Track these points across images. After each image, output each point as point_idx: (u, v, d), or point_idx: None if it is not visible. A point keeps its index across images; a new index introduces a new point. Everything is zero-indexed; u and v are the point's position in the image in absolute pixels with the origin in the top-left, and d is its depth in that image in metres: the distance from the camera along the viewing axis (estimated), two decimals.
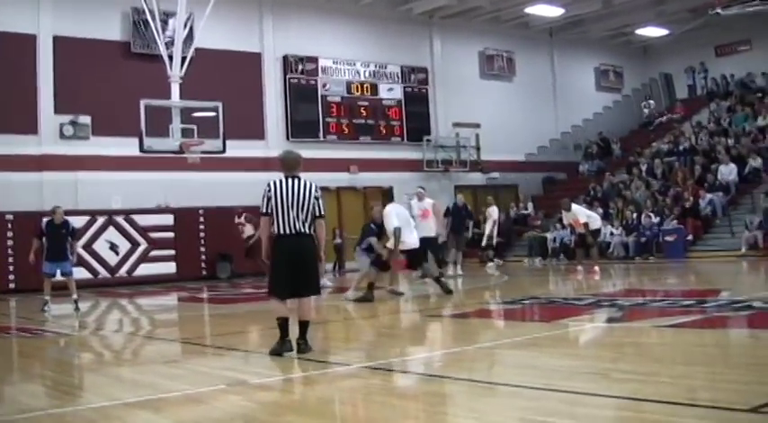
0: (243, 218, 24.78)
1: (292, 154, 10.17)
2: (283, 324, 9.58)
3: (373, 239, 17.56)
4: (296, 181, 9.66)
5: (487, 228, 27.30)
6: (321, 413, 6.84)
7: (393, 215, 17.00)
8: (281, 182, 9.63)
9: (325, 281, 21.32)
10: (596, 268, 21.47)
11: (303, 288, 9.64)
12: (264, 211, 9.64)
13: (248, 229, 24.49)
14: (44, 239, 17.93)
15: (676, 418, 5.70)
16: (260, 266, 23.44)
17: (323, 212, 9.77)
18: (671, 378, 7.19)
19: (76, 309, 17.66)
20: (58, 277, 18.20)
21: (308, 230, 9.58)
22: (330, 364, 9.24)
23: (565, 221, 23.83)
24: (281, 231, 9.51)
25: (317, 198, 9.66)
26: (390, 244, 16.89)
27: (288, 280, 9.54)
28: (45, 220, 18.17)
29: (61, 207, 18.48)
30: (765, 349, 8.97)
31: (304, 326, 9.65)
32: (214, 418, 6.78)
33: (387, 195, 32.17)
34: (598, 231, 23.54)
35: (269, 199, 9.56)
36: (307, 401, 7.40)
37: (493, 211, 27.05)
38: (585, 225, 22.14)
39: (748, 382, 6.83)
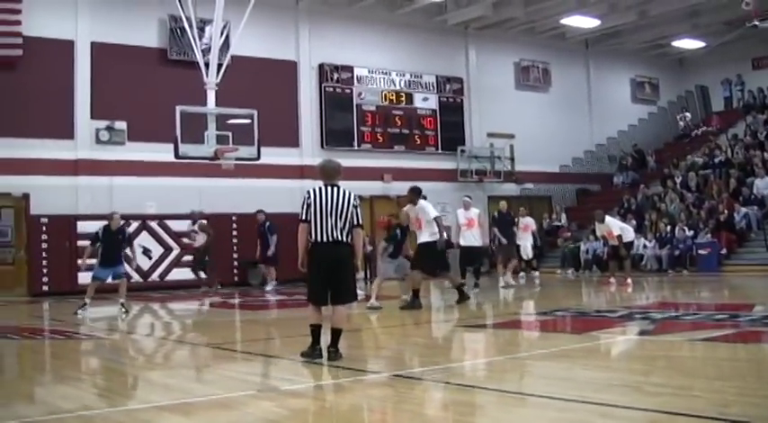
0: (197, 226, 25.01)
1: (332, 162, 10.18)
2: (316, 331, 9.64)
3: (383, 247, 17.61)
4: (335, 189, 9.71)
5: (529, 238, 27.12)
6: (351, 421, 6.85)
7: (429, 206, 17.05)
8: (320, 190, 9.68)
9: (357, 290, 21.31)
10: (629, 281, 21.34)
11: (338, 296, 9.69)
12: (303, 217, 9.68)
13: (200, 238, 24.81)
14: (99, 245, 17.84)
15: None
16: (206, 279, 24.52)
17: (360, 221, 9.84)
18: (703, 392, 7.15)
19: (125, 312, 17.53)
20: (108, 281, 18.03)
21: (345, 239, 9.63)
22: (361, 371, 9.25)
23: (598, 233, 23.54)
24: (319, 239, 9.57)
25: (355, 207, 9.72)
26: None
27: (324, 287, 9.61)
28: (101, 225, 18.06)
29: (118, 213, 18.44)
30: None
31: (336, 334, 9.67)
32: None
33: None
34: (631, 244, 23.41)
35: (308, 206, 9.61)
36: (337, 409, 7.41)
37: (529, 222, 26.88)
38: (619, 237, 21.95)
39: None
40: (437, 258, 17.03)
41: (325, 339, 9.66)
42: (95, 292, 17.94)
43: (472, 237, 20.35)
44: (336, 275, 9.60)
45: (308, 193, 9.72)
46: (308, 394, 8.25)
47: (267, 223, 24.28)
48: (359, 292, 21.14)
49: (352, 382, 8.63)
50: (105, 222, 18.00)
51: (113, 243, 17.86)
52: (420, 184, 30.59)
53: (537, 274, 27.78)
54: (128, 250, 18.53)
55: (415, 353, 11.35)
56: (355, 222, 9.74)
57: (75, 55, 26.39)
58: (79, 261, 18.16)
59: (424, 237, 16.97)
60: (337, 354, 9.57)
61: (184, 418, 7.04)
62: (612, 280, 22.08)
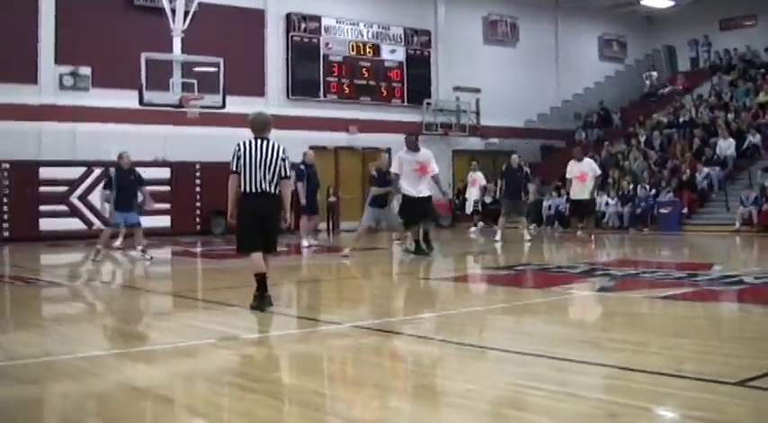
0: None
1: (262, 115, 10.39)
2: (261, 279, 9.80)
3: (373, 188, 17.60)
4: (265, 142, 9.93)
5: (474, 193, 27.21)
6: (311, 371, 6.88)
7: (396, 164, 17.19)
8: (250, 142, 9.90)
9: (311, 240, 21.32)
10: (592, 237, 21.40)
11: (267, 245, 9.96)
12: (234, 169, 9.89)
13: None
14: (113, 189, 17.51)
15: (663, 389, 5.73)
16: None
17: (288, 174, 10.05)
18: (660, 348, 7.22)
19: (149, 258, 17.30)
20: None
21: (273, 190, 9.84)
22: (321, 322, 9.30)
23: (569, 175, 21.97)
24: (248, 189, 9.79)
25: (283, 159, 9.90)
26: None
27: (256, 235, 9.86)
28: (112, 169, 17.79)
29: (128, 152, 17.95)
30: (754, 324, 9.00)
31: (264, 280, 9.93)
32: (205, 372, 6.80)
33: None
34: (592, 201, 22.97)
35: (238, 158, 9.83)
36: (297, 359, 7.44)
37: (478, 177, 26.84)
38: (596, 178, 21.67)
39: (736, 355, 6.86)
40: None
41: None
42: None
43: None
44: (266, 225, 9.89)
45: (238, 145, 9.93)
46: (269, 343, 8.28)
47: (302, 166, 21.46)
48: (313, 242, 21.33)
49: (312, 333, 8.68)
50: (115, 164, 17.77)
51: (128, 184, 17.49)
52: (385, 137, 30.98)
53: (476, 228, 27.91)
54: (139, 193, 18.12)
55: (375, 304, 11.40)
56: (283, 174, 9.92)
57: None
58: (106, 209, 17.69)
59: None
60: (264, 299, 9.81)
61: (146, 365, 7.04)
62: (579, 233, 22.21)
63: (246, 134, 10.11)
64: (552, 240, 24.31)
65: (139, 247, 17.53)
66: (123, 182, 17.42)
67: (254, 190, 9.76)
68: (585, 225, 22.10)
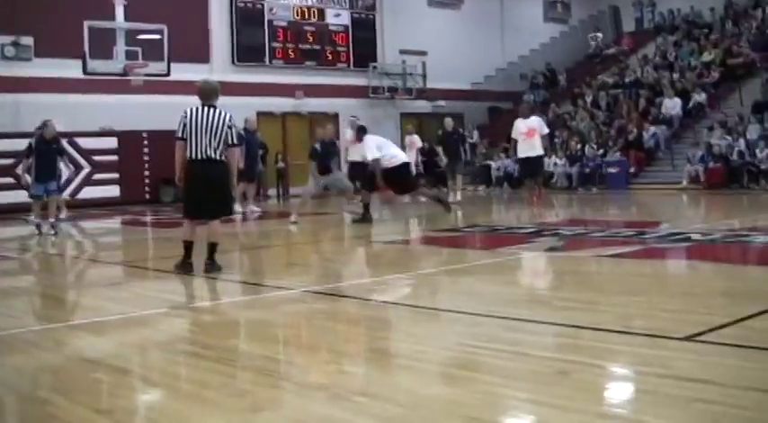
0: None
1: (210, 84, 10.52)
2: (189, 246, 10.18)
3: (312, 164, 17.60)
4: (211, 110, 10.08)
5: (412, 156, 27.16)
6: (263, 337, 6.89)
7: (373, 146, 17.25)
8: (197, 109, 10.06)
9: (252, 206, 21.32)
10: (538, 197, 21.12)
11: (211, 211, 10.17)
12: (180, 135, 10.04)
13: None
14: (32, 159, 16.87)
15: (611, 345, 5.82)
16: None
17: (235, 141, 10.21)
18: (609, 306, 7.31)
19: (54, 233, 16.72)
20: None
21: (218, 156, 10.00)
22: (273, 288, 9.30)
23: (514, 134, 21.37)
24: (194, 156, 9.94)
25: (230, 127, 10.08)
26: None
27: (198, 202, 10.10)
28: (33, 137, 17.19)
29: (52, 121, 17.46)
30: (702, 280, 9.13)
31: (212, 247, 10.22)
32: (158, 341, 6.79)
33: (332, 121, 32.26)
34: (542, 158, 22.21)
35: (184, 125, 9.99)
36: (250, 325, 7.45)
37: (415, 140, 26.80)
38: (544, 137, 21.28)
39: (683, 311, 6.96)
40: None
41: (203, 253, 10.21)
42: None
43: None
44: (210, 191, 10.08)
45: (185, 112, 10.08)
46: (221, 311, 8.28)
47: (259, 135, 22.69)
48: (255, 208, 21.28)
49: (264, 299, 8.70)
50: (37, 132, 17.21)
51: (48, 155, 16.95)
52: (332, 101, 30.91)
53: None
54: (61, 164, 17.81)
55: (326, 269, 11.45)
56: (230, 142, 10.11)
57: None
58: (25, 177, 17.27)
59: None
60: (213, 266, 10.12)
61: (97, 336, 7.01)
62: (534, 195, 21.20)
63: (192, 101, 10.15)
64: (501, 202, 24.41)
65: (51, 219, 17.01)
66: (45, 152, 16.94)
67: (199, 156, 9.90)
68: (535, 184, 21.71)
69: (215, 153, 9.93)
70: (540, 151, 21.04)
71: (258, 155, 21.60)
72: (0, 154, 24.18)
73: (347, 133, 21.10)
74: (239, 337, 7.05)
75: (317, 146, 17.63)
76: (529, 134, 20.78)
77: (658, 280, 9.23)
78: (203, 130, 9.88)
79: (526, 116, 21.29)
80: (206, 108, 10.06)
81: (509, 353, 5.74)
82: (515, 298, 8.14)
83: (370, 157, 17.11)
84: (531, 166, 21.44)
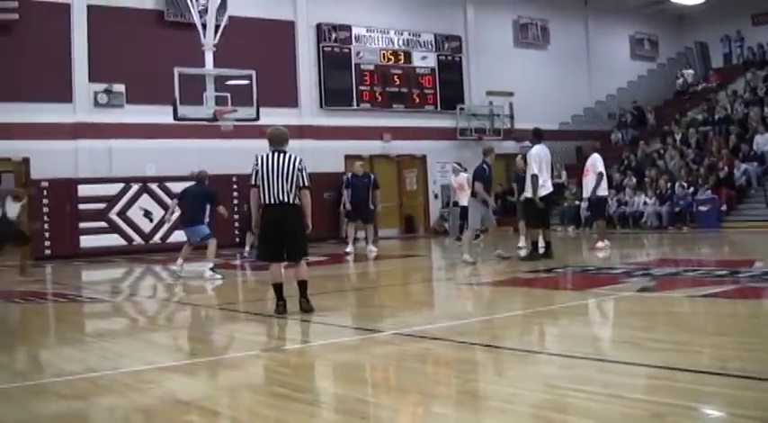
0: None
1: (279, 130, 10.83)
2: (278, 288, 10.42)
3: (477, 184, 17.48)
4: (282, 155, 10.38)
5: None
6: (354, 379, 6.89)
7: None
8: (268, 156, 10.40)
9: (372, 247, 22.03)
10: (599, 244, 19.92)
11: (291, 252, 10.46)
12: (253, 183, 10.50)
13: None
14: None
15: (707, 387, 5.72)
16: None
17: (307, 183, 10.45)
18: (703, 347, 7.21)
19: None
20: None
21: (291, 200, 10.29)
22: (363, 330, 9.31)
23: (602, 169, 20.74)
24: (268, 201, 10.28)
25: (300, 170, 10.34)
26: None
27: (275, 245, 10.41)
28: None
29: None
30: None
31: (302, 286, 10.45)
32: (249, 384, 6.84)
33: (420, 163, 32.50)
34: (605, 200, 21.86)
35: (256, 172, 10.40)
36: (340, 368, 7.46)
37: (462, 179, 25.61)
38: (599, 175, 20.30)
39: None
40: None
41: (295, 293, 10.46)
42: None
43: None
44: (287, 234, 10.35)
45: (256, 158, 10.50)
46: (312, 353, 8.29)
47: (373, 177, 23.05)
48: (371, 248, 21.47)
49: (354, 341, 8.70)
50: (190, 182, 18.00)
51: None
52: (419, 143, 31.07)
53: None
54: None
55: (417, 311, 11.42)
56: (302, 184, 10.36)
57: (71, 18, 26.19)
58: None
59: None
60: (308, 304, 10.35)
61: (189, 378, 7.09)
62: (600, 244, 19.90)
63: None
64: (591, 242, 24.19)
65: (210, 265, 16.89)
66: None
67: (272, 201, 10.25)
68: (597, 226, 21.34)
69: (287, 196, 10.22)
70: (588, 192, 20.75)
71: (368, 197, 22.33)
72: (94, 199, 24.63)
73: (451, 179, 21.28)
74: (330, 380, 7.07)
75: (485, 166, 17.80)
76: (585, 173, 21.02)
77: (753, 320, 9.06)
78: (275, 176, 10.20)
79: (587, 156, 21.48)
80: (276, 153, 10.37)
81: (602, 395, 5.68)
82: (608, 339, 8.06)
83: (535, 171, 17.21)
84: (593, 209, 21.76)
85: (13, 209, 18.51)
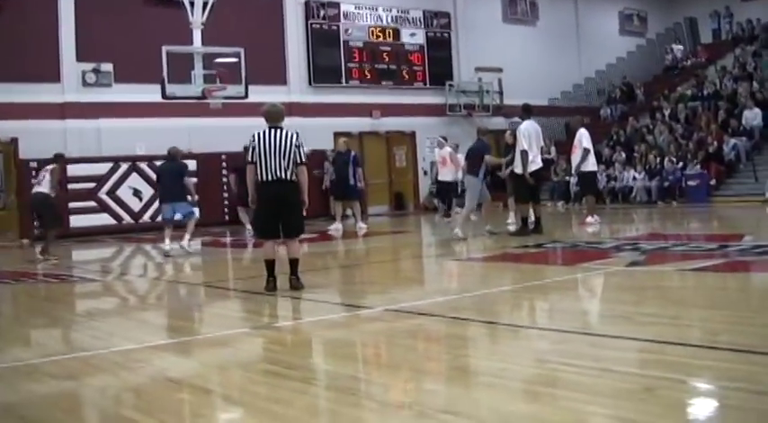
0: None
1: (276, 107, 10.77)
2: (270, 265, 10.39)
3: (488, 157, 17.50)
4: (278, 131, 10.36)
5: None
6: (345, 356, 6.90)
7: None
8: (264, 132, 10.36)
9: (362, 224, 21.75)
10: (588, 219, 19.77)
11: (287, 229, 10.43)
12: (250, 159, 10.41)
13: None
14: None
15: (697, 361, 5.74)
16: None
17: (304, 159, 10.43)
18: (693, 321, 7.23)
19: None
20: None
21: (289, 176, 10.26)
22: (354, 307, 9.32)
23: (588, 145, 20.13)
24: (265, 178, 10.23)
25: (297, 146, 10.33)
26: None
27: (272, 222, 10.37)
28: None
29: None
30: None
31: (294, 263, 10.47)
32: (240, 361, 6.84)
33: (410, 140, 32.46)
34: (594, 175, 21.62)
35: (253, 149, 10.33)
36: (331, 344, 7.46)
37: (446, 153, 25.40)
38: (585, 151, 19.81)
39: None
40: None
41: (286, 270, 10.45)
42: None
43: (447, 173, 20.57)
44: (283, 211, 10.35)
45: (253, 136, 10.42)
46: (302, 330, 8.31)
47: (353, 154, 22.92)
48: (361, 225, 21.41)
49: (345, 318, 8.71)
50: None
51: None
52: (409, 120, 31.02)
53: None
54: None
55: (406, 287, 11.44)
56: (299, 161, 10.35)
57: None
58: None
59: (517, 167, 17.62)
60: (298, 281, 10.37)
61: (180, 356, 7.09)
62: (590, 219, 19.72)
63: None
64: (580, 217, 24.19)
65: (185, 240, 17.61)
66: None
67: (270, 178, 10.20)
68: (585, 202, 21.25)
69: (285, 173, 10.19)
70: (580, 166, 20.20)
71: (348, 174, 21.87)
72: (84, 178, 24.55)
73: (435, 153, 21.20)
74: (321, 357, 7.08)
75: (483, 138, 17.96)
76: (573, 149, 20.62)
77: (743, 294, 9.09)
78: (272, 152, 10.16)
79: (575, 129, 21.19)
80: (273, 130, 10.34)
81: (593, 369, 5.69)
82: (598, 314, 8.08)
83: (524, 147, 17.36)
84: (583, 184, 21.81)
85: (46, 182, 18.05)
